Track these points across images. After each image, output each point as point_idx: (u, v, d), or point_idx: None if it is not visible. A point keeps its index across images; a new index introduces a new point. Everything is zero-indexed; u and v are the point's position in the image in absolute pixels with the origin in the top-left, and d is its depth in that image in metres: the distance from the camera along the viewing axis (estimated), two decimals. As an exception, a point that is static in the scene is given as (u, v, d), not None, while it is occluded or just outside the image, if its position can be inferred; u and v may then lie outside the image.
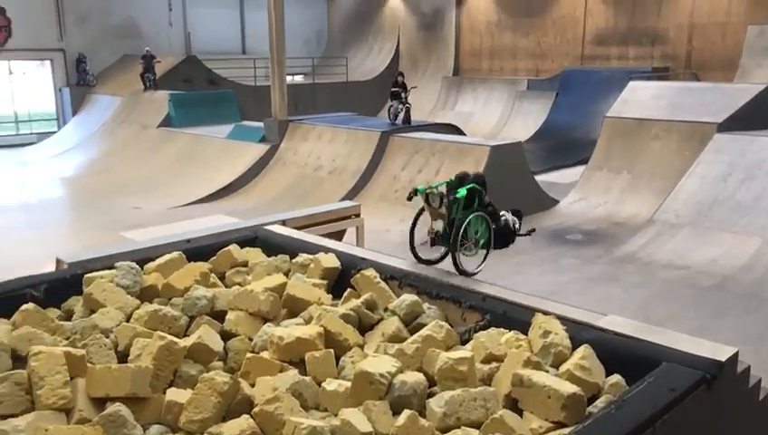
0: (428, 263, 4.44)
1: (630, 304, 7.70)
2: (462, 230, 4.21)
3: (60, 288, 4.12)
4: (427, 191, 4.31)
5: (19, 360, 3.34)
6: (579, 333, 3.35)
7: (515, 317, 3.61)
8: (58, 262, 4.57)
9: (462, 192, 4.27)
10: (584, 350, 3.12)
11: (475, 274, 4.32)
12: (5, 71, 21.38)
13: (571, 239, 10.47)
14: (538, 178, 12.76)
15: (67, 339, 3.54)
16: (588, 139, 16.64)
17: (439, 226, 4.41)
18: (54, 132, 21.42)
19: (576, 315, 3.53)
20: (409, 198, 4.54)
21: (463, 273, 4.29)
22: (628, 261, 9.41)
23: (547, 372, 3.03)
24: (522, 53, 23.56)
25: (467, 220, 4.25)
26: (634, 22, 20.73)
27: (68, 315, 4.00)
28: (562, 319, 3.42)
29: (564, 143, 18.41)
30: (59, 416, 2.95)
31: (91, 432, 2.70)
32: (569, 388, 2.78)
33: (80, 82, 21.74)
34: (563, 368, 3.04)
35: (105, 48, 22.31)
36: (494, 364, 3.18)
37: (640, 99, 12.95)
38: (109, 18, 22.48)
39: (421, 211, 4.50)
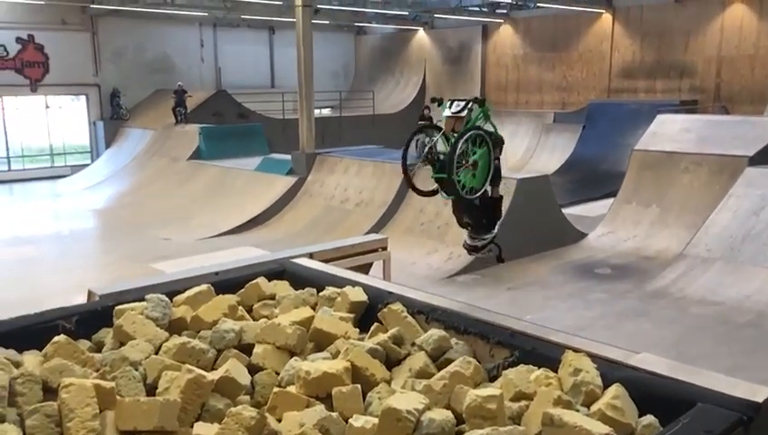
0: (422, 193, 4.24)
1: (662, 341, 7.54)
2: (463, 142, 3.88)
3: (91, 320, 4.17)
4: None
5: (50, 391, 3.36)
6: (610, 371, 3.28)
7: (544, 354, 3.56)
8: (90, 294, 4.64)
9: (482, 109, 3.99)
10: (616, 389, 3.05)
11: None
12: (42, 105, 22.00)
13: (599, 273, 10.33)
14: (565, 210, 12.67)
15: (97, 371, 3.56)
16: (615, 172, 16.52)
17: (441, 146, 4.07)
18: (88, 165, 21.93)
19: (607, 353, 3.46)
20: (434, 101, 4.24)
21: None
22: (658, 296, 9.25)
23: (578, 411, 2.97)
24: (548, 86, 23.62)
25: (469, 134, 3.92)
26: (661, 55, 20.69)
27: (98, 347, 4.04)
28: (593, 356, 3.35)
29: (591, 176, 18.29)
30: (88, 448, 2.96)
31: (119, 466, 2.70)
32: (601, 428, 2.71)
33: (113, 116, 22.29)
34: (595, 407, 2.97)
35: (138, 83, 22.89)
36: (523, 402, 3.12)
37: (669, 132, 12.85)
38: (143, 54, 23.10)
39: (418, 130, 4.28)
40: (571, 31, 22.78)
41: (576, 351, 3.37)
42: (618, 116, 19.69)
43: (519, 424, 2.98)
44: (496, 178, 4.17)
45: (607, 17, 21.89)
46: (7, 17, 20.26)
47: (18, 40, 20.91)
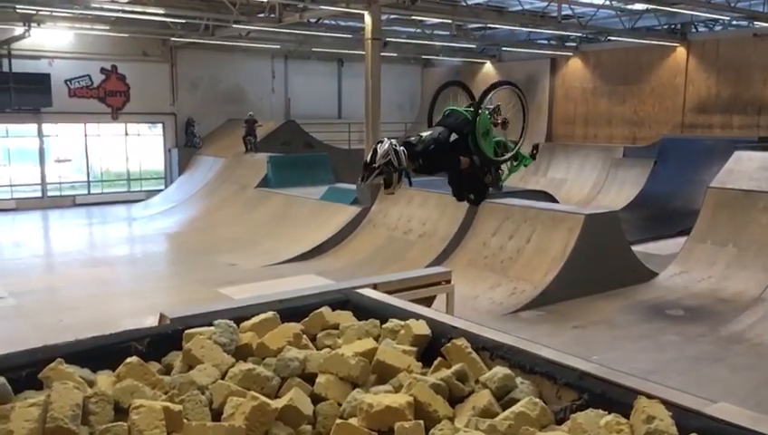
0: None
1: (739, 389, 7.15)
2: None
3: (161, 343, 4.28)
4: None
5: (120, 411, 3.46)
6: (686, 420, 3.13)
7: (615, 398, 3.42)
8: (161, 317, 4.77)
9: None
10: (692, 439, 2.91)
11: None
12: (122, 132, 23.07)
13: (671, 315, 9.93)
14: (635, 248, 12.28)
15: (166, 393, 3.64)
16: (688, 209, 15.95)
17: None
18: (162, 190, 22.77)
19: (682, 400, 3.30)
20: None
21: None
22: (735, 341, 8.80)
23: (651, 461, 2.84)
24: (617, 120, 23.17)
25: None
26: (738, 90, 20.01)
27: (167, 370, 4.14)
28: (668, 404, 3.21)
29: (663, 213, 17.72)
30: (154, 470, 3.01)
31: (184, 490, 2.74)
32: (676, 481, 2.58)
33: (187, 144, 23.15)
34: (669, 458, 2.84)
35: (212, 112, 23.73)
36: (592, 449, 3.01)
37: (747, 169, 12.34)
38: (217, 84, 23.99)
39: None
40: (643, 64, 22.35)
41: (649, 397, 3.24)
42: (691, 152, 19.08)
43: (588, 471, 2.88)
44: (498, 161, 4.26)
45: (681, 51, 21.39)
46: (93, 48, 21.44)
47: (102, 70, 22.08)
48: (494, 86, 4.15)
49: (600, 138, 23.60)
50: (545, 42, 24.27)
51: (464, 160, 4.11)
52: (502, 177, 4.26)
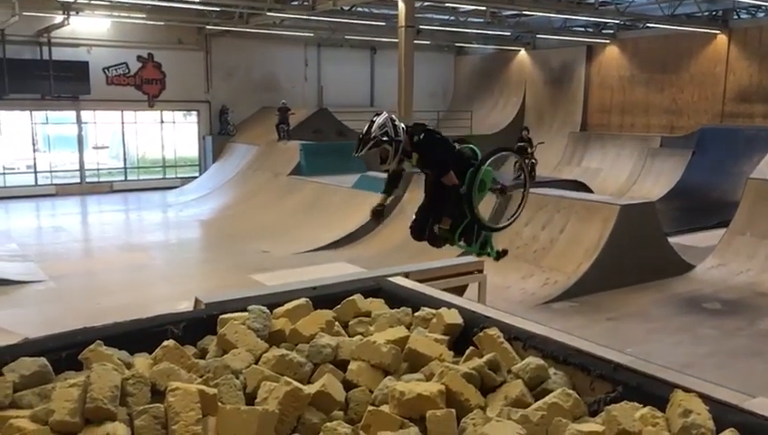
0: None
1: (778, 384, 7.00)
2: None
3: (196, 327, 4.35)
4: None
5: (157, 393, 3.53)
6: (724, 414, 3.07)
7: (650, 391, 3.38)
8: (196, 302, 4.85)
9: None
10: (730, 434, 2.85)
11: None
12: (158, 119, 23.40)
13: (708, 308, 9.74)
14: (671, 240, 12.06)
15: (201, 377, 3.70)
16: (727, 200, 15.60)
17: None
18: (196, 177, 23.06)
19: (720, 395, 3.24)
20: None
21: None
22: (774, 336, 8.61)
23: (687, 455, 2.79)
24: (655, 109, 22.70)
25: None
26: (782, 78, 19.46)
27: (202, 354, 4.20)
28: (705, 398, 3.15)
29: (701, 204, 17.36)
30: (190, 452, 3.07)
31: (219, 472, 2.78)
32: (713, 476, 2.54)
33: (221, 132, 23.37)
34: (706, 453, 2.79)
35: (245, 100, 23.91)
36: (627, 441, 2.97)
37: (789, 160, 12.02)
38: (251, 73, 24.14)
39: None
40: (682, 52, 21.84)
41: (686, 390, 3.18)
42: (732, 142, 18.63)
43: (622, 464, 2.84)
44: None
45: (722, 38, 20.83)
46: (130, 37, 21.75)
47: (139, 58, 22.39)
48: (500, 150, 3.93)
49: (637, 127, 23.16)
50: (581, 29, 23.86)
51: (452, 176, 3.91)
52: (479, 239, 3.90)
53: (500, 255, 3.76)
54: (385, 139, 3.52)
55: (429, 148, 3.72)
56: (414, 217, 3.70)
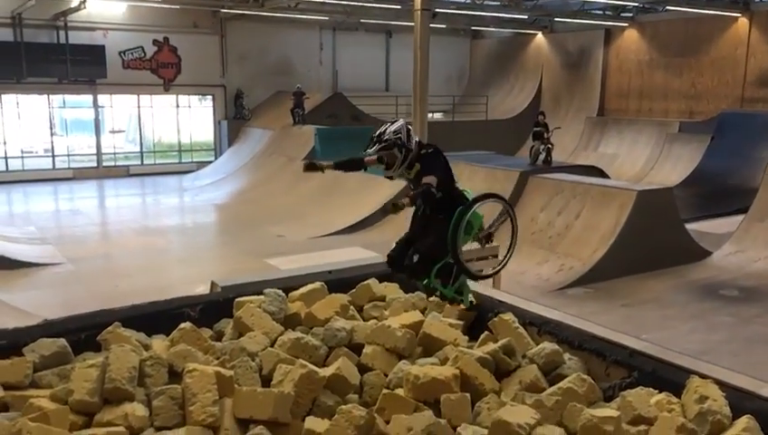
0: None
1: (795, 372, 6.94)
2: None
3: (213, 310, 4.39)
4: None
5: (174, 374, 3.58)
6: (740, 401, 3.06)
7: (666, 377, 3.38)
8: (212, 285, 4.88)
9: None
10: (747, 421, 2.85)
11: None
12: (173, 104, 23.47)
13: (725, 295, 9.66)
14: (689, 226, 11.94)
15: (217, 359, 3.75)
16: (746, 187, 15.41)
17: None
18: (211, 161, 23.15)
19: (737, 381, 3.23)
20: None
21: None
22: (792, 323, 8.52)
23: (703, 441, 2.79)
24: (674, 93, 22.40)
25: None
26: (805, 62, 19.11)
27: (219, 336, 4.25)
28: (721, 384, 3.15)
29: (719, 190, 17.15)
30: (207, 432, 3.12)
31: (235, 452, 2.82)
32: (729, 462, 2.54)
33: (236, 116, 23.41)
34: (722, 439, 2.78)
35: (260, 85, 23.90)
36: (642, 427, 2.98)
37: (811, 145, 11.83)
38: (266, 57, 24.10)
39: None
40: (702, 36, 21.49)
41: (702, 377, 3.18)
42: (752, 128, 18.36)
43: (637, 449, 2.85)
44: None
45: (743, 21, 20.46)
46: (146, 20, 21.78)
47: (155, 42, 22.42)
48: (488, 196, 3.79)
49: (655, 112, 22.89)
50: (599, 12, 23.52)
51: (433, 179, 3.63)
52: (457, 285, 3.70)
53: (472, 306, 3.66)
54: (398, 143, 3.49)
55: (432, 160, 3.66)
56: (393, 245, 3.63)
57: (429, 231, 3.43)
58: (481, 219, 3.64)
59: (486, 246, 3.69)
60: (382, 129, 3.60)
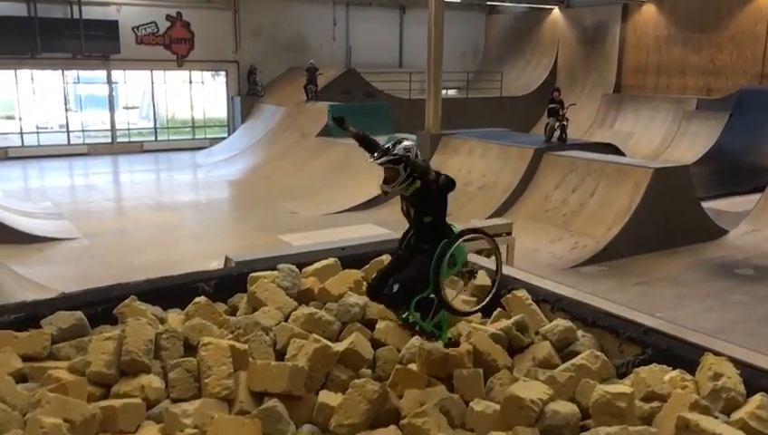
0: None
1: (810, 352, 6.89)
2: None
3: (227, 284, 4.42)
4: None
5: (189, 348, 3.62)
6: (755, 379, 3.05)
7: (680, 355, 3.37)
8: (226, 260, 4.91)
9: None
10: (762, 398, 2.84)
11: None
12: (186, 79, 23.45)
13: (740, 274, 9.58)
14: (705, 204, 11.83)
15: (232, 333, 3.78)
16: (764, 165, 15.24)
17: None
18: (225, 138, 23.16)
19: (752, 359, 3.21)
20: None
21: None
22: (808, 303, 8.45)
23: (716, 418, 2.78)
24: (692, 69, 22.04)
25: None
26: (827, 38, 18.71)
27: (233, 310, 4.28)
28: (736, 362, 3.13)
29: (736, 168, 16.95)
30: (222, 405, 3.15)
31: (251, 425, 2.86)
32: (742, 439, 2.53)
33: (250, 92, 23.34)
34: (736, 416, 2.78)
35: (273, 60, 23.78)
36: (655, 403, 2.97)
37: (832, 123, 11.63)
38: (279, 32, 23.96)
39: None
40: (721, 10, 21.07)
41: (717, 354, 3.16)
42: (771, 104, 18.07)
43: (650, 425, 2.85)
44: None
45: (765, -4, 20.05)
46: (159, -4, 21.73)
47: (168, 17, 22.33)
48: (474, 231, 3.64)
49: (673, 89, 22.55)
50: (617, -13, 23.13)
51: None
52: (438, 318, 3.49)
53: (450, 343, 3.55)
54: (405, 161, 3.42)
55: (437, 192, 3.53)
56: (375, 275, 3.54)
57: (412, 262, 3.35)
58: (465, 255, 3.53)
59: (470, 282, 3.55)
60: (390, 142, 3.55)
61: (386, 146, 3.53)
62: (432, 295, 3.28)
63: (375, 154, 3.55)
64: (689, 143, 19.51)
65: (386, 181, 3.50)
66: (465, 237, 3.50)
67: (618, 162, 11.72)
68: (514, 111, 22.69)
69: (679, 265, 9.90)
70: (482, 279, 4.46)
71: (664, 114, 21.14)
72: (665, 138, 20.52)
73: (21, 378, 3.37)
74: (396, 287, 3.19)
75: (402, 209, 3.71)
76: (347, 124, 3.72)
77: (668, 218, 10.47)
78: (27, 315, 3.76)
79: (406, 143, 3.53)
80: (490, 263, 4.45)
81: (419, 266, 3.30)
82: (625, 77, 23.98)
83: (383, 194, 3.69)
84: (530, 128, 21.94)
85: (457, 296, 3.99)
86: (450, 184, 3.50)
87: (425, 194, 3.45)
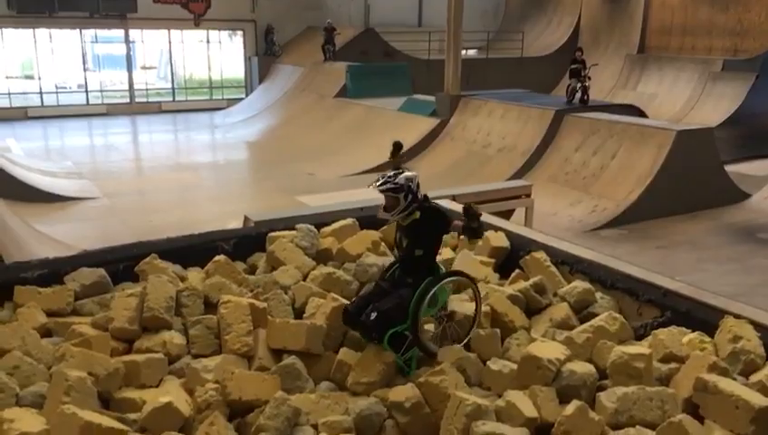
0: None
1: (831, 317, 6.83)
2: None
3: (246, 244, 4.45)
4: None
5: (209, 305, 3.67)
6: (775, 342, 3.02)
7: (699, 317, 3.35)
8: (245, 219, 4.93)
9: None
10: (781, 362, 2.82)
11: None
12: (204, 39, 23.30)
13: (762, 238, 9.47)
14: (728, 168, 11.64)
15: (251, 291, 3.82)
16: (791, 128, 14.90)
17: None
18: (242, 99, 23.08)
19: (773, 323, 3.18)
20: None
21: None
22: (831, 267, 8.35)
23: (735, 380, 2.78)
24: (718, 30, 21.46)
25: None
26: None
27: (252, 270, 4.32)
28: (756, 325, 3.11)
29: (762, 131, 16.62)
30: (241, 361, 3.20)
31: (270, 380, 2.90)
32: (761, 401, 2.53)
33: (267, 52, 23.16)
34: (755, 378, 2.77)
35: (291, 20, 23.51)
36: (673, 365, 2.97)
37: None
38: (297, -9, 23.65)
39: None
40: (751, -32, 20.42)
41: (737, 317, 3.14)
42: (800, 65, 17.60)
43: (668, 386, 2.85)
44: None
45: (798, -48, 19.36)
46: (176, -46, 21.45)
47: (185, -25, 22.14)
48: (467, 276, 3.52)
49: (698, 49, 22.01)
50: (644, -57, 22.45)
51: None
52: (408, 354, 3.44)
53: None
54: (407, 190, 3.41)
55: (437, 212, 3.51)
56: (353, 299, 3.50)
57: (393, 293, 3.33)
58: (447, 296, 3.51)
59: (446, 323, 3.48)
60: (392, 173, 3.54)
61: (388, 174, 3.55)
62: (407, 332, 3.26)
63: (377, 180, 3.57)
64: (714, 105, 19.11)
65: (385, 209, 3.51)
66: (450, 279, 3.49)
67: (640, 124, 11.53)
68: (536, 72, 22.33)
69: (701, 229, 9.80)
70: (499, 240, 4.44)
71: (689, 75, 20.69)
72: (689, 99, 20.12)
73: (45, 332, 3.44)
74: (373, 316, 3.18)
75: (395, 240, 3.71)
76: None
77: (691, 181, 10.34)
78: (50, 272, 3.83)
79: (407, 174, 3.54)
80: (503, 224, 4.42)
81: (400, 299, 3.29)
82: (649, 37, 23.42)
83: (382, 220, 3.68)
84: (551, 89, 21.60)
85: (471, 254, 3.93)
86: (446, 226, 3.52)
87: (422, 227, 3.45)
